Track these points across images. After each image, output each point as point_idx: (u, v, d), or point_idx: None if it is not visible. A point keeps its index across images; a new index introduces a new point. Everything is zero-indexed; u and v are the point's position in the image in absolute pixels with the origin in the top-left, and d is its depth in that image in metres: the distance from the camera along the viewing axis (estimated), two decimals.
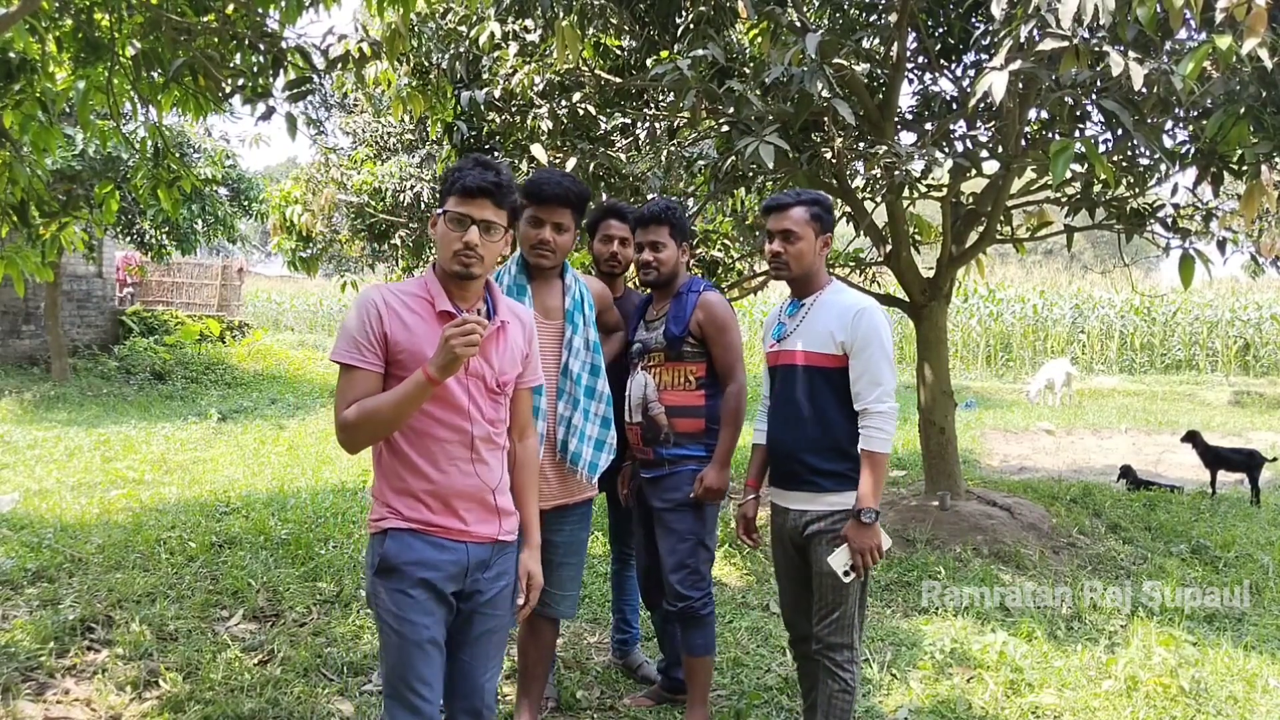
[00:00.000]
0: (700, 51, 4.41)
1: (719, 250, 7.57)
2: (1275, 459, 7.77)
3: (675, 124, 6.04)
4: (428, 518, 2.11)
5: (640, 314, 3.32)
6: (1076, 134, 4.91)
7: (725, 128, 5.05)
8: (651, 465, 3.15)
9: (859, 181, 5.89)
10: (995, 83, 3.55)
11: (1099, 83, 4.36)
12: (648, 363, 3.17)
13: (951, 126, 5.90)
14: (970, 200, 6.50)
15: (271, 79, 4.14)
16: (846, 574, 2.58)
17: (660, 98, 6.24)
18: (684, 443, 3.11)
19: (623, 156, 6.03)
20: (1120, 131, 4.85)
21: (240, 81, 4.16)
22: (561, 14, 4.86)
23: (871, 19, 5.67)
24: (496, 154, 6.39)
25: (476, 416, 2.14)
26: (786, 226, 2.72)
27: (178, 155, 5.71)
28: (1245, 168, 4.56)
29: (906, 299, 6.50)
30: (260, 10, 4.00)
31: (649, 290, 3.37)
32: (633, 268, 3.53)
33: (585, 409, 2.90)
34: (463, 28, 5.60)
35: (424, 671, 2.09)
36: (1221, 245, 5.76)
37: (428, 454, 2.11)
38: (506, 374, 2.22)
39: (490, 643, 2.25)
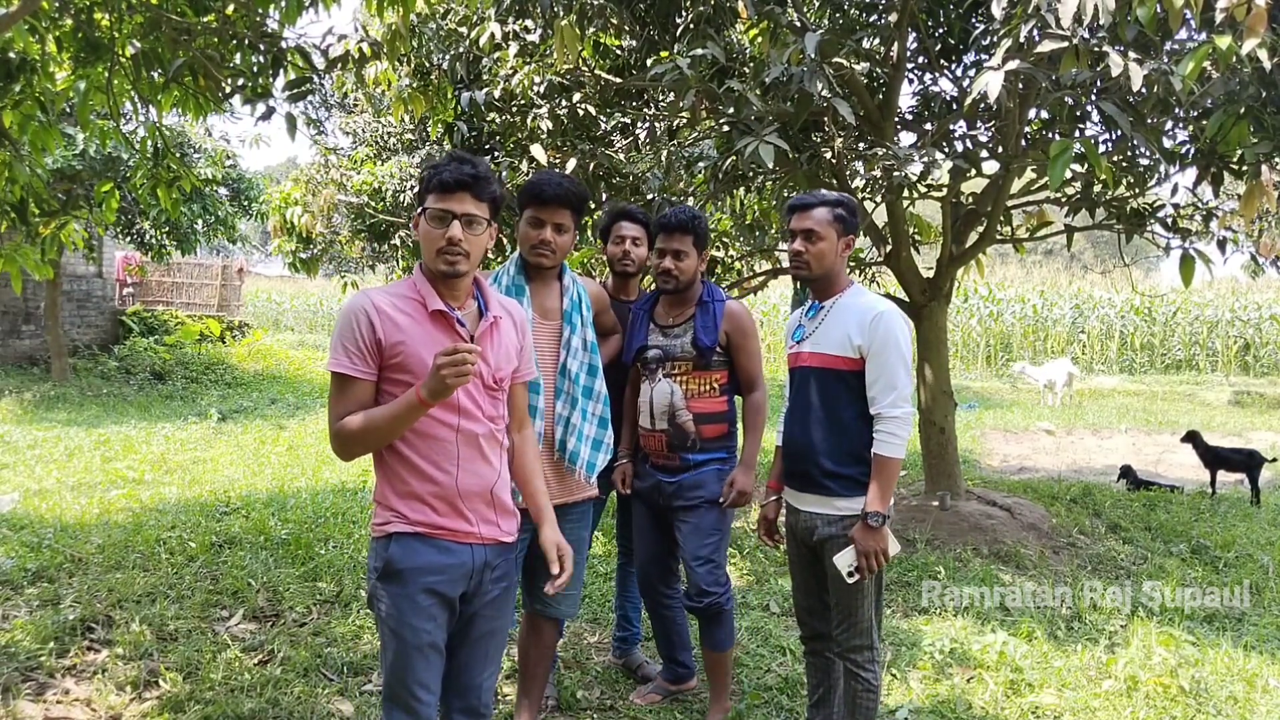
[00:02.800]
0: (700, 51, 4.41)
1: (718, 249, 7.57)
2: (1275, 459, 7.77)
3: (675, 124, 6.04)
4: (434, 520, 2.10)
5: (646, 318, 3.27)
6: (1076, 134, 4.91)
7: (725, 128, 5.05)
8: (675, 470, 3.19)
9: (859, 182, 5.89)
10: (991, 82, 3.55)
11: (1099, 83, 4.36)
12: (671, 370, 3.17)
13: (951, 127, 5.90)
14: (970, 200, 6.50)
15: (271, 79, 4.14)
16: (850, 574, 2.60)
17: (660, 98, 6.24)
18: (709, 447, 3.18)
19: (623, 156, 6.03)
20: (1120, 132, 4.85)
21: (240, 81, 4.16)
22: (561, 14, 4.86)
23: (871, 19, 5.66)
24: (496, 154, 6.39)
25: (477, 415, 2.14)
26: (809, 226, 2.71)
27: (178, 155, 5.71)
28: (1245, 168, 4.55)
29: (906, 299, 6.50)
30: (260, 10, 4.00)
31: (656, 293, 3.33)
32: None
33: (583, 409, 2.90)
34: (463, 28, 5.60)
35: (424, 676, 2.10)
36: (1221, 245, 5.76)
37: (430, 455, 2.10)
38: (503, 370, 2.21)
39: (490, 643, 2.25)
